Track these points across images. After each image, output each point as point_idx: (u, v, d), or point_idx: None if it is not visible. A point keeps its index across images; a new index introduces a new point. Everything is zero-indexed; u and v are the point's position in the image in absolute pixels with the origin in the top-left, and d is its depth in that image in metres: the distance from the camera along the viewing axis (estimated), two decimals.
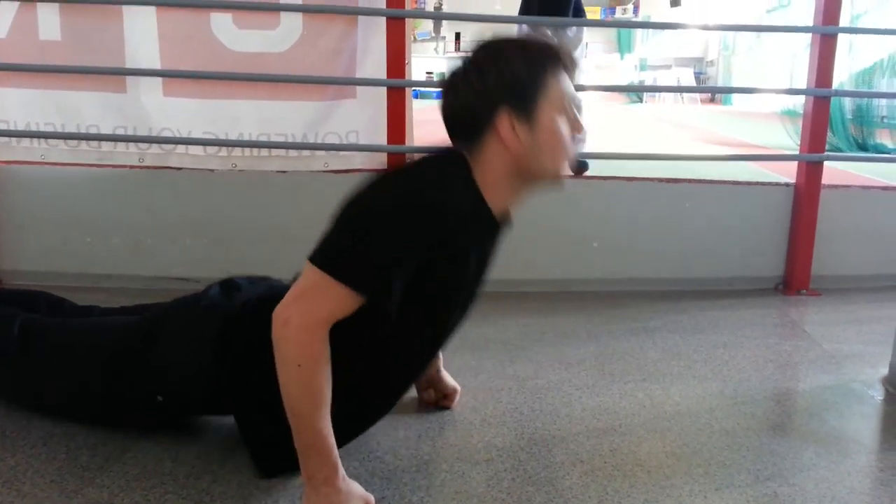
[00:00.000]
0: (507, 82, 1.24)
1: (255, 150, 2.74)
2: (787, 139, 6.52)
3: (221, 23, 2.65)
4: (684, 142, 7.74)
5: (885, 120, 7.63)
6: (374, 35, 2.66)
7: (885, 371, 1.98)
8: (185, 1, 2.63)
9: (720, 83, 17.88)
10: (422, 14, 11.39)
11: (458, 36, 14.72)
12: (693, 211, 2.79)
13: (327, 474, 1.25)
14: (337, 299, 1.20)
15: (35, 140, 2.74)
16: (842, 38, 2.88)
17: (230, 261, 2.57)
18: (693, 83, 16.95)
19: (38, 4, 2.61)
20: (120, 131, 2.72)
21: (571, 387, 1.88)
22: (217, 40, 2.66)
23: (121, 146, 2.74)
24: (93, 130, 2.71)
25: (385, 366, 1.40)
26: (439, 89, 1.33)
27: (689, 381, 1.94)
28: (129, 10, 2.63)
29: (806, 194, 2.78)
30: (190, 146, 2.73)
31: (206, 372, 1.42)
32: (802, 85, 2.84)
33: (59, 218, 2.67)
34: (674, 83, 15.60)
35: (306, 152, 2.72)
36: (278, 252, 2.20)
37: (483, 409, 1.73)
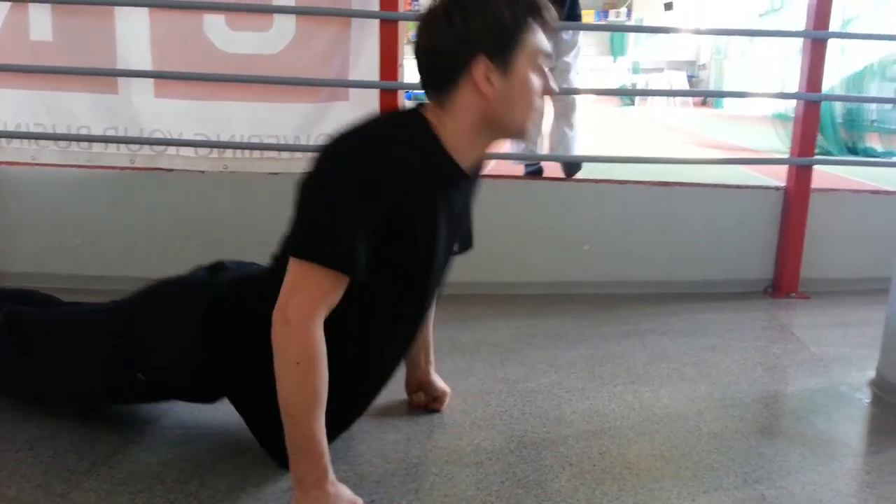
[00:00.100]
0: (489, 29, 1.24)
1: (247, 152, 2.73)
2: (778, 143, 6.56)
3: (214, 24, 2.65)
4: (676, 145, 7.78)
5: (875, 124, 7.68)
6: (367, 37, 2.66)
7: (872, 374, 1.99)
8: (177, 2, 2.63)
9: (712, 87, 17.95)
10: (415, 17, 11.37)
11: None
12: (684, 214, 2.80)
13: (317, 477, 1.25)
14: (324, 284, 1.21)
15: (26, 141, 2.73)
16: (833, 43, 2.90)
17: None
18: (685, 86, 17.01)
19: (30, 5, 2.60)
20: (111, 132, 2.71)
21: (561, 389, 1.89)
22: (209, 41, 2.66)
23: (112, 147, 2.74)
24: (84, 131, 2.70)
25: (368, 347, 1.40)
26: (416, 25, 1.31)
27: (679, 384, 1.95)
28: (121, 11, 2.62)
29: (796, 198, 2.79)
30: (181, 147, 2.72)
31: (191, 349, 1.42)
32: (794, 89, 2.85)
33: (49, 219, 2.65)
34: (666, 86, 15.66)
35: (298, 154, 2.72)
36: (269, 254, 2.19)
37: (473, 412, 1.74)
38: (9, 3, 2.60)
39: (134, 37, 2.64)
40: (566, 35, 3.16)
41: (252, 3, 2.65)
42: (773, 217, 2.84)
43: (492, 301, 2.64)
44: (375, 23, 2.62)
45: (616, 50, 20.73)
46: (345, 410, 1.45)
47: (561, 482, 1.43)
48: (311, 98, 2.70)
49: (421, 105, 1.35)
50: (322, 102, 2.71)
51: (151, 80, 2.69)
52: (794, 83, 2.87)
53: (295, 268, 1.22)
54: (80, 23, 2.64)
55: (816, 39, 2.73)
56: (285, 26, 2.65)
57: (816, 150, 2.83)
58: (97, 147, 2.74)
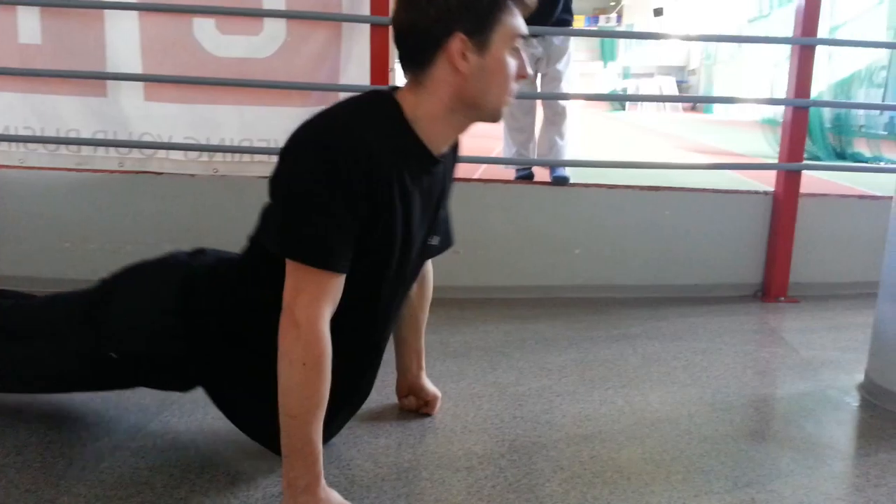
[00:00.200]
0: (467, 6, 1.24)
1: (237, 156, 2.73)
2: (768, 147, 6.60)
3: (204, 28, 2.65)
4: (666, 149, 7.81)
5: (863, 129, 7.75)
6: (357, 41, 2.66)
7: (860, 378, 2.00)
8: (167, 6, 2.62)
9: (702, 91, 18.07)
10: None
11: None
12: (674, 218, 2.82)
13: (309, 482, 1.25)
14: (325, 283, 1.22)
15: (14, 144, 2.71)
16: (821, 49, 2.92)
17: None
18: (675, 91, 17.11)
19: (19, 8, 2.59)
20: (100, 135, 2.70)
21: (552, 393, 1.89)
22: (199, 45, 2.66)
23: (101, 150, 2.73)
24: (73, 134, 2.69)
25: (341, 334, 1.37)
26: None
27: (669, 388, 1.95)
28: (110, 15, 2.62)
29: (784, 202, 2.81)
30: (171, 151, 2.72)
31: (162, 326, 1.42)
32: (783, 94, 2.87)
33: (37, 222, 2.64)
34: (656, 91, 15.72)
35: None
36: None
37: (464, 416, 1.73)
38: None
39: (123, 40, 2.63)
40: (557, 41, 3.16)
41: (242, 6, 2.65)
42: (762, 221, 2.86)
43: (483, 305, 2.64)
44: (366, 27, 2.63)
45: (606, 55, 20.84)
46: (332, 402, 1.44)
47: (552, 486, 1.43)
48: (302, 102, 2.70)
49: (395, 88, 1.34)
50: (313, 106, 2.71)
51: (141, 84, 2.68)
52: (783, 88, 2.89)
53: (294, 270, 1.22)
54: (69, 26, 2.63)
55: (804, 46, 2.76)
56: (276, 30, 2.65)
57: (805, 155, 2.85)
58: (86, 150, 2.72)
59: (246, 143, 2.70)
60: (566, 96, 3.24)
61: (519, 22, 1.29)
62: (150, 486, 1.39)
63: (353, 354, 1.40)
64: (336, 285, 1.25)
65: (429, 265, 1.70)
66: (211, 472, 1.44)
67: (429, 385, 1.75)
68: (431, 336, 1.79)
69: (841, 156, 6.99)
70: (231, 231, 2.59)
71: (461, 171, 3.07)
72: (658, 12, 20.04)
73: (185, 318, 1.42)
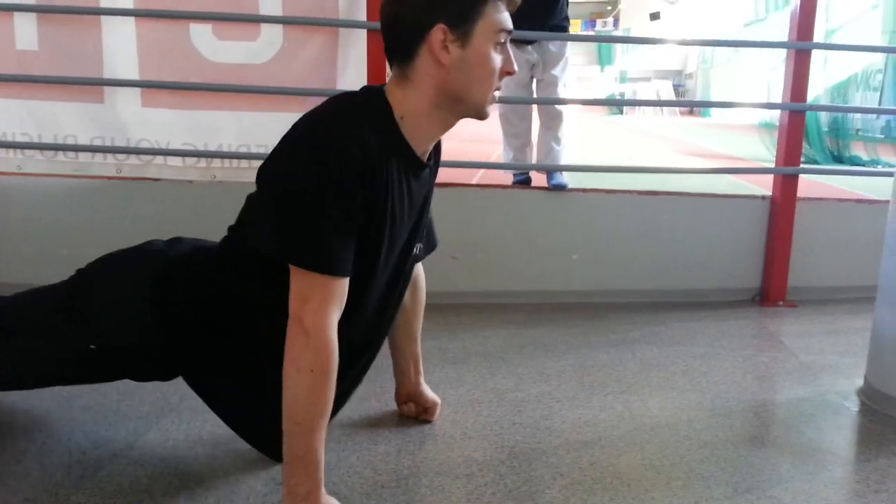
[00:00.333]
0: None
1: (235, 162, 2.73)
2: (765, 151, 6.61)
3: (201, 34, 2.64)
4: (664, 154, 7.82)
5: (860, 132, 7.77)
6: (354, 47, 2.66)
7: (860, 382, 2.00)
8: (164, 12, 2.62)
9: (699, 95, 18.10)
10: None
11: None
12: (671, 223, 2.82)
13: (310, 489, 1.25)
14: (331, 288, 1.22)
15: (11, 150, 2.70)
16: (817, 53, 2.93)
17: None
18: (672, 95, 17.15)
19: (16, 14, 2.59)
20: (97, 142, 2.70)
21: (552, 399, 1.88)
22: (196, 51, 2.65)
23: (98, 157, 2.72)
24: (70, 141, 2.69)
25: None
26: None
27: (668, 393, 1.95)
28: (107, 21, 2.61)
29: (782, 207, 2.81)
30: (169, 157, 2.71)
31: (139, 314, 1.41)
32: (779, 97, 2.87)
33: (35, 229, 2.63)
34: (653, 95, 15.75)
35: None
36: None
37: (463, 423, 1.73)
38: None
39: (120, 46, 2.63)
40: (553, 47, 3.17)
41: (239, 12, 2.65)
42: (759, 226, 2.86)
43: (481, 310, 2.64)
44: (363, 32, 2.63)
45: (603, 59, 20.88)
46: None
47: (552, 493, 1.43)
48: (300, 107, 2.70)
49: (381, 86, 1.34)
50: None
51: (138, 90, 2.68)
52: (779, 91, 2.89)
53: (300, 277, 1.22)
54: (66, 32, 2.62)
55: (800, 50, 2.76)
56: (273, 36, 2.65)
57: (803, 159, 2.86)
58: (84, 156, 2.72)
59: (244, 149, 2.70)
60: (563, 101, 3.24)
61: (503, 17, 1.29)
62: (149, 493, 1.38)
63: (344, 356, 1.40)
64: (342, 289, 1.25)
65: (420, 271, 1.70)
66: (210, 479, 1.44)
67: (428, 391, 1.75)
68: (430, 342, 1.80)
69: (838, 159, 7.01)
70: None
71: (459, 176, 3.08)
72: (654, 16, 20.09)
73: (163, 306, 1.42)
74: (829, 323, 2.65)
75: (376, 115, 1.29)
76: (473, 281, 2.75)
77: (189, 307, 1.41)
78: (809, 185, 3.40)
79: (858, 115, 7.71)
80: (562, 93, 3.22)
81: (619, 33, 21.58)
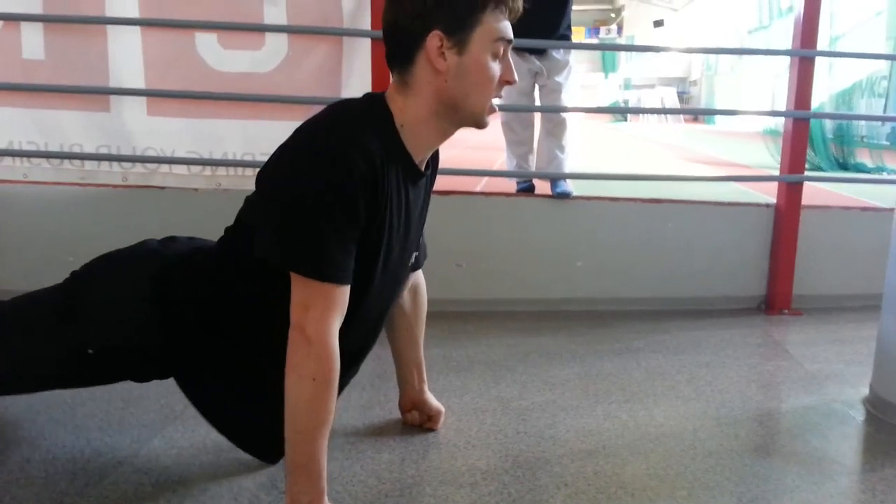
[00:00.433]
0: (445, 2, 1.25)
1: (240, 170, 2.74)
2: (770, 158, 6.60)
3: (206, 43, 2.65)
4: (668, 161, 7.82)
5: (865, 139, 7.75)
6: (359, 55, 2.67)
7: (865, 391, 1.99)
8: (169, 21, 2.63)
9: (703, 102, 18.08)
10: None
11: None
12: (676, 231, 2.82)
13: (312, 498, 1.25)
14: (333, 296, 1.22)
15: (18, 159, 2.72)
16: (821, 59, 2.93)
17: None
18: (676, 102, 17.14)
19: (22, 24, 2.61)
20: (103, 150, 2.71)
21: (556, 408, 1.88)
22: (202, 60, 2.66)
23: (104, 165, 2.73)
24: (76, 149, 2.70)
25: None
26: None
27: (673, 402, 1.94)
28: (113, 30, 2.63)
29: (786, 215, 2.81)
30: (174, 165, 2.72)
31: (141, 318, 1.41)
32: (784, 104, 2.87)
33: (41, 237, 2.64)
34: (658, 102, 15.73)
35: None
36: None
37: (467, 431, 1.73)
38: (1, 22, 2.60)
39: (126, 55, 2.64)
40: (557, 55, 3.17)
41: (244, 21, 2.66)
42: (764, 234, 2.86)
43: (485, 318, 2.64)
44: (367, 41, 2.64)
45: (607, 66, 20.89)
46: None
47: (556, 502, 1.42)
48: (304, 116, 2.65)
49: (382, 94, 1.35)
50: None
51: (144, 99, 2.69)
52: (784, 98, 2.89)
53: (301, 285, 1.22)
54: (72, 41, 2.64)
55: (804, 58, 2.76)
56: (278, 45, 2.66)
57: (807, 166, 2.85)
58: (90, 165, 2.73)
59: (249, 157, 2.71)
60: (566, 109, 3.25)
61: (503, 26, 1.29)
62: (153, 501, 1.38)
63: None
64: (343, 297, 1.25)
65: (421, 279, 1.70)
66: (214, 487, 1.44)
67: (432, 400, 1.74)
68: (434, 350, 1.79)
69: (843, 166, 6.99)
70: None
71: (463, 183, 3.08)
72: (658, 24, 20.11)
73: (162, 306, 1.42)
74: (835, 331, 2.64)
75: (377, 122, 1.30)
76: (477, 289, 2.75)
77: (189, 307, 1.41)
78: (814, 192, 3.40)
79: (864, 122, 7.69)
80: (565, 99, 3.23)
81: (622, 41, 21.62)
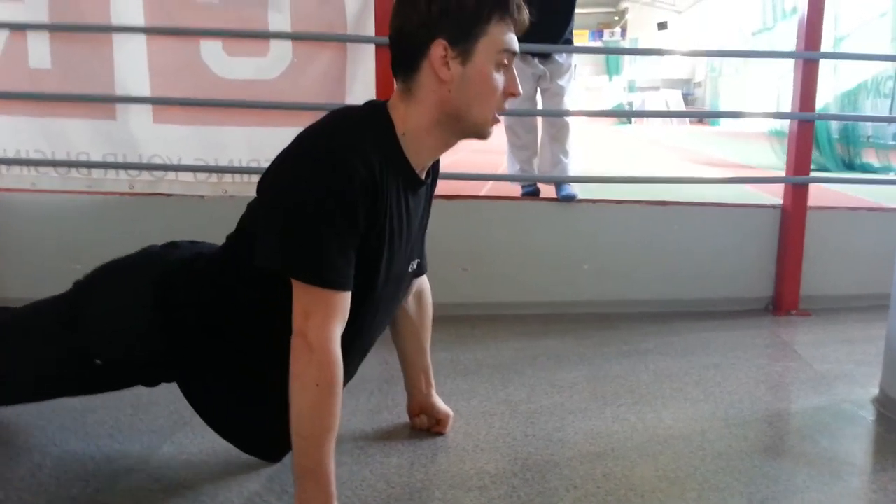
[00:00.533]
0: (450, 13, 1.25)
1: (246, 176, 2.74)
2: (776, 159, 6.59)
3: (211, 51, 2.67)
4: (674, 163, 7.81)
5: (871, 139, 7.73)
6: (363, 62, 2.68)
7: (875, 391, 1.98)
8: (175, 29, 2.65)
9: (708, 104, 18.06)
10: None
11: None
12: (682, 233, 2.81)
13: (322, 503, 1.25)
14: (334, 302, 1.23)
15: (25, 167, 2.73)
16: (826, 60, 2.93)
17: None
18: (681, 104, 17.13)
19: (29, 33, 2.62)
20: (110, 158, 2.72)
21: (564, 411, 1.88)
22: (207, 68, 2.68)
23: (111, 173, 2.74)
24: (83, 157, 2.71)
25: None
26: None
27: (681, 404, 1.94)
28: (118, 38, 2.64)
29: (793, 216, 2.80)
30: (180, 173, 2.73)
31: (144, 325, 1.42)
32: (789, 105, 2.87)
33: (48, 245, 2.66)
34: (662, 104, 15.73)
35: None
36: None
37: (476, 435, 1.73)
38: (7, 32, 2.62)
39: (132, 64, 2.66)
40: (560, 59, 3.18)
41: (249, 29, 2.67)
42: (771, 235, 2.85)
43: (492, 322, 2.64)
44: (371, 47, 2.65)
45: (612, 69, 20.90)
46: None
47: None
48: (309, 122, 2.68)
49: (384, 102, 1.35)
50: None
51: (150, 107, 2.70)
52: (789, 100, 2.89)
53: (302, 292, 1.23)
54: (78, 50, 2.65)
55: (808, 60, 2.76)
56: (282, 52, 2.67)
57: (813, 166, 2.85)
58: (96, 173, 2.74)
59: (254, 164, 2.72)
60: (570, 113, 3.25)
61: (509, 38, 1.29)
62: None
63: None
64: (345, 303, 1.25)
65: (425, 283, 1.70)
66: (224, 493, 1.44)
67: (440, 404, 1.74)
68: (441, 354, 1.79)
69: (849, 166, 6.98)
70: None
71: (468, 188, 3.08)
72: (662, 26, 20.11)
73: (164, 311, 1.42)
74: (843, 332, 2.63)
75: (377, 130, 1.30)
76: (484, 292, 2.75)
77: (191, 312, 1.42)
78: (821, 192, 3.39)
79: (869, 122, 7.68)
80: (567, 102, 3.23)
81: (626, 43, 21.61)
